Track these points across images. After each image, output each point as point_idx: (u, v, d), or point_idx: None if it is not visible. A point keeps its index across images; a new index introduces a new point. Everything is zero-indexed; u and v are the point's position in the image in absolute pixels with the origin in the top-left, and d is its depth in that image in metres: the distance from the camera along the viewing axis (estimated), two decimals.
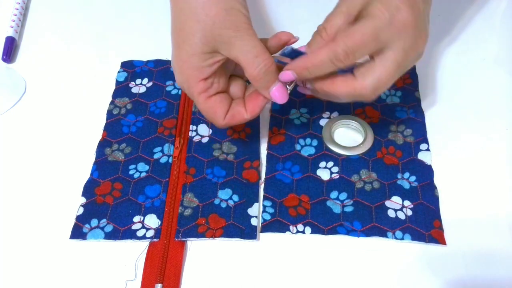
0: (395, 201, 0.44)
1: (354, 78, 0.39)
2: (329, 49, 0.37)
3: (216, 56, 0.40)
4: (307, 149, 0.48)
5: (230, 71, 0.44)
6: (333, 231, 0.42)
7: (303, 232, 0.42)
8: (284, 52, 0.42)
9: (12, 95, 0.53)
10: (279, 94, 0.40)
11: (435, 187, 0.45)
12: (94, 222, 0.43)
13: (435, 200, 0.44)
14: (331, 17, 0.39)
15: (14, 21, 0.59)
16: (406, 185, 0.45)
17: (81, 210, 0.44)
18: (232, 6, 0.38)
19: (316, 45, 0.39)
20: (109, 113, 0.51)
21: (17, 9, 0.60)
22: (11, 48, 0.57)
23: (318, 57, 0.38)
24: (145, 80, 0.54)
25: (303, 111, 0.50)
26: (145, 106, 0.52)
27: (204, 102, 0.41)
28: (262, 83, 0.40)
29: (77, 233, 0.43)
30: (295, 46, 0.42)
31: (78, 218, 0.44)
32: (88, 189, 0.45)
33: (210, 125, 0.50)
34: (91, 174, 0.47)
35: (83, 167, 0.47)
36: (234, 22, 0.38)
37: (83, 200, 0.45)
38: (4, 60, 0.56)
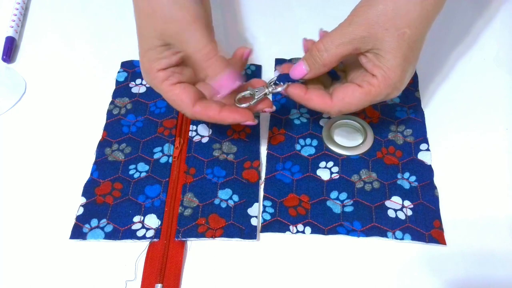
0: (395, 201, 0.44)
1: (329, 97, 0.42)
2: (324, 105, 0.42)
3: (171, 48, 0.41)
4: (307, 149, 0.48)
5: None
6: (333, 231, 0.42)
7: (303, 232, 0.42)
8: (276, 80, 0.43)
9: (12, 95, 0.53)
10: (222, 84, 0.41)
11: (435, 187, 0.45)
12: (94, 222, 0.43)
13: (435, 200, 0.44)
14: (339, 44, 0.39)
15: (14, 21, 0.59)
16: (406, 185, 0.45)
17: (81, 210, 0.44)
18: (177, 1, 0.40)
19: (315, 69, 0.41)
20: (109, 113, 0.51)
21: (17, 9, 0.60)
22: (11, 48, 0.57)
23: (312, 104, 0.42)
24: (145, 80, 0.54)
25: (303, 111, 0.50)
26: (145, 106, 0.52)
27: (168, 90, 0.41)
28: (210, 72, 0.41)
29: (77, 233, 0.43)
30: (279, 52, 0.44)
31: (78, 218, 0.44)
32: (88, 189, 0.45)
33: (210, 125, 0.50)
34: (91, 174, 0.47)
35: (83, 167, 0.47)
36: (180, 15, 0.40)
37: (83, 200, 0.45)
38: (4, 60, 0.56)
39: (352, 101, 0.41)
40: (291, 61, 0.54)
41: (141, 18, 0.41)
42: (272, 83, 0.43)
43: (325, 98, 0.41)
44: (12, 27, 0.58)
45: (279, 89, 0.43)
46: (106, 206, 0.44)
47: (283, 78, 0.44)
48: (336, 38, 0.39)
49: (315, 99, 0.42)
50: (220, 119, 0.42)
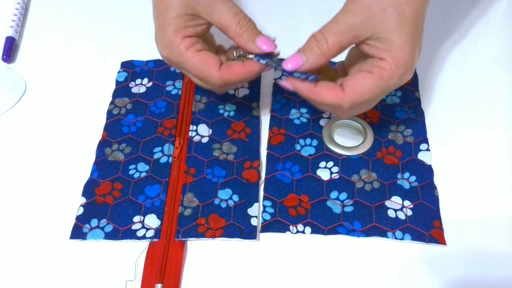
0: (395, 201, 0.44)
1: (341, 89, 0.39)
2: (336, 97, 0.38)
3: (199, 19, 0.41)
4: (307, 149, 0.48)
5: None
6: (333, 231, 0.42)
7: (303, 232, 0.42)
8: (267, 58, 0.42)
9: (12, 95, 0.53)
10: (265, 43, 0.41)
11: (435, 187, 0.45)
12: (94, 222, 0.43)
13: (435, 200, 0.44)
14: (337, 32, 0.38)
15: (14, 21, 0.59)
16: (406, 185, 0.45)
17: (81, 210, 0.44)
18: None
19: (314, 57, 0.39)
20: (109, 113, 0.51)
21: (17, 9, 0.60)
22: (11, 48, 0.57)
23: (323, 98, 0.39)
24: (145, 80, 0.54)
25: (303, 111, 0.50)
26: (145, 106, 0.52)
27: (194, 55, 0.41)
28: (246, 37, 0.41)
29: (77, 233, 0.43)
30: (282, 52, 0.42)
31: (78, 218, 0.44)
32: (88, 189, 0.45)
33: (210, 125, 0.50)
34: (91, 174, 0.47)
35: (83, 167, 0.47)
36: None
37: (83, 200, 0.45)
38: (4, 60, 0.56)
39: (364, 89, 0.38)
40: None
41: None
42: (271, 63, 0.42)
43: (336, 90, 0.39)
44: (12, 27, 0.58)
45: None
46: (106, 206, 0.44)
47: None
48: (333, 27, 0.38)
49: (325, 91, 0.39)
50: (248, 71, 0.42)
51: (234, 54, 0.44)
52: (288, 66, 0.39)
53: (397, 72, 0.37)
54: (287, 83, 0.40)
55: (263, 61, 0.41)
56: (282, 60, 0.40)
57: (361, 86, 0.38)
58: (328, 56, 0.39)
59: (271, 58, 0.42)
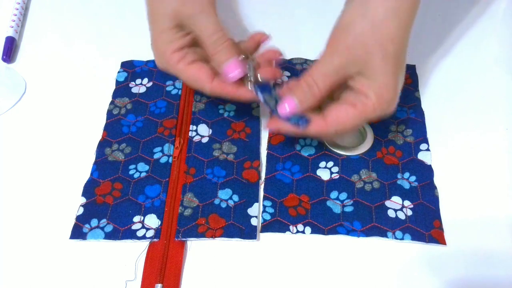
0: (395, 201, 0.44)
1: (323, 119, 0.40)
2: (319, 128, 0.40)
3: (184, 29, 0.43)
4: (307, 149, 0.48)
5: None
6: (333, 231, 0.42)
7: (303, 232, 0.42)
8: (261, 84, 0.43)
9: (12, 95, 0.53)
10: (230, 70, 0.42)
11: (435, 187, 0.45)
12: (94, 222, 0.43)
13: (435, 200, 0.44)
14: (327, 74, 0.39)
15: (14, 21, 0.59)
16: (406, 185, 0.45)
17: (81, 210, 0.44)
18: None
19: (307, 101, 0.40)
20: (109, 113, 0.51)
21: (17, 9, 0.60)
22: (11, 48, 0.57)
23: (311, 131, 0.41)
24: (145, 80, 0.54)
25: None
26: (145, 106, 0.52)
27: (185, 69, 0.43)
28: (217, 58, 0.42)
29: (77, 233, 0.43)
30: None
31: (78, 218, 0.44)
32: (88, 189, 0.45)
33: (210, 125, 0.50)
34: (91, 174, 0.47)
35: (83, 167, 0.47)
36: (198, 1, 0.42)
37: (83, 200, 0.45)
38: (4, 60, 0.56)
39: (347, 122, 0.40)
40: (291, 61, 0.54)
41: (156, 4, 0.43)
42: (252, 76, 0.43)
43: (318, 121, 0.40)
44: (12, 27, 0.58)
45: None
46: (106, 206, 0.44)
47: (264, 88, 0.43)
48: (322, 69, 0.39)
49: (309, 126, 0.41)
50: (238, 95, 0.43)
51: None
52: (285, 110, 0.40)
53: (380, 107, 0.39)
54: (273, 126, 0.43)
55: (260, 95, 0.42)
56: (276, 96, 0.42)
57: (343, 119, 0.39)
58: (320, 97, 0.40)
59: (269, 91, 0.42)
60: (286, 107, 0.40)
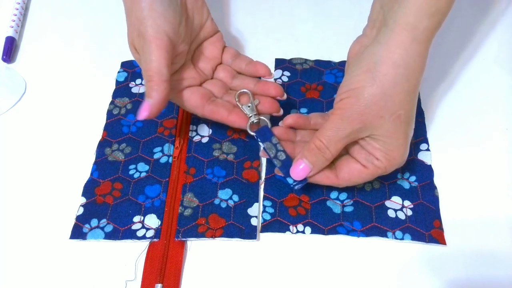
0: (395, 201, 0.44)
1: (335, 175, 0.42)
2: (331, 183, 0.42)
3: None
4: None
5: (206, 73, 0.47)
6: (333, 231, 0.42)
7: (303, 232, 0.42)
8: (260, 131, 0.43)
9: (12, 95, 0.53)
10: (141, 112, 0.40)
11: (435, 187, 0.45)
12: (94, 222, 0.43)
13: (435, 200, 0.44)
14: (337, 140, 0.39)
15: (14, 21, 0.59)
16: (406, 185, 0.45)
17: (81, 210, 0.44)
18: (153, 12, 0.40)
19: (320, 164, 0.40)
20: (109, 113, 0.51)
21: (17, 9, 0.60)
22: (11, 48, 0.57)
23: (320, 182, 0.42)
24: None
25: (303, 111, 0.50)
26: None
27: (176, 97, 0.44)
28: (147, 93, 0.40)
29: (77, 233, 0.43)
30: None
31: (78, 218, 0.44)
32: (88, 189, 0.45)
33: (210, 125, 0.50)
34: (91, 174, 0.47)
35: (83, 167, 0.47)
36: (144, 29, 0.40)
37: (83, 200, 0.45)
38: (4, 60, 0.56)
39: (358, 180, 0.41)
40: (291, 61, 0.54)
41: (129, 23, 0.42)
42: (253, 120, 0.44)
43: (330, 178, 0.41)
44: (12, 27, 0.58)
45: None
46: (106, 206, 0.44)
47: (264, 133, 0.43)
48: (334, 135, 0.39)
49: (319, 180, 0.41)
50: (229, 121, 0.44)
51: (236, 99, 0.45)
52: (297, 174, 0.41)
53: (390, 168, 0.40)
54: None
55: (260, 143, 0.43)
56: (281, 149, 0.42)
57: (355, 178, 0.41)
58: (331, 159, 0.40)
59: (269, 138, 0.43)
60: (299, 171, 0.40)
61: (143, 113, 0.40)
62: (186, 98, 0.44)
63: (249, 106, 0.44)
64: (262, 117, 0.44)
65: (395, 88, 0.37)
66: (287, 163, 0.41)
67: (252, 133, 0.43)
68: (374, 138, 0.39)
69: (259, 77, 0.47)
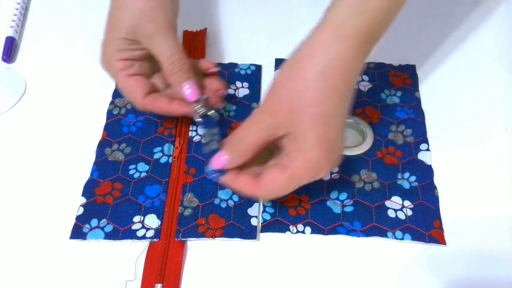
0: (395, 201, 0.44)
1: (258, 182, 0.39)
2: (252, 190, 0.39)
3: (137, 43, 0.44)
4: None
5: (156, 68, 0.47)
6: (333, 231, 0.42)
7: (303, 232, 0.42)
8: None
9: (12, 95, 0.53)
10: (190, 91, 0.44)
11: (435, 187, 0.45)
12: (94, 222, 0.43)
13: (435, 200, 0.44)
14: (253, 132, 0.39)
15: (14, 21, 0.59)
16: (406, 185, 0.45)
17: (81, 210, 0.44)
18: (159, 5, 0.43)
19: (237, 158, 0.39)
20: (109, 113, 0.51)
21: (17, 9, 0.60)
22: (11, 48, 0.57)
23: (242, 189, 0.40)
24: None
25: None
26: None
27: (123, 80, 0.44)
28: (175, 79, 0.44)
29: (77, 233, 0.43)
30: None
31: (78, 218, 0.44)
32: (88, 189, 0.45)
33: None
34: (91, 174, 0.46)
35: (83, 167, 0.47)
36: (157, 19, 0.43)
37: (83, 200, 0.45)
38: (4, 60, 0.56)
39: (276, 187, 0.38)
40: None
41: (118, 11, 0.44)
42: (199, 112, 0.45)
43: (253, 183, 0.39)
44: (12, 27, 0.58)
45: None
46: (106, 206, 0.44)
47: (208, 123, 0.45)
48: (249, 126, 0.39)
49: (242, 186, 0.40)
50: (170, 110, 0.45)
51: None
52: (216, 165, 0.40)
53: (308, 172, 0.38)
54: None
55: (201, 129, 0.45)
56: (216, 140, 0.43)
57: (273, 185, 0.38)
58: (249, 154, 0.39)
59: (213, 126, 0.44)
60: (218, 160, 0.40)
61: (193, 93, 0.44)
62: (131, 84, 0.44)
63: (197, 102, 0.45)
64: (212, 111, 0.45)
65: (307, 84, 0.36)
66: (214, 153, 0.41)
67: (198, 120, 0.45)
68: (291, 136, 0.37)
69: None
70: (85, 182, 0.46)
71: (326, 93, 0.36)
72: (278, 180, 0.38)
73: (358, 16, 0.35)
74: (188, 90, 0.44)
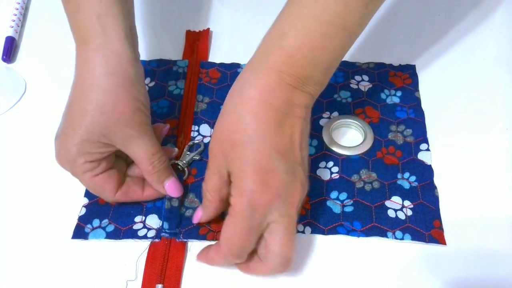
0: (395, 201, 0.44)
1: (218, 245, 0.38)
2: (218, 255, 0.38)
3: (110, 147, 0.40)
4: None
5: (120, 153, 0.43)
6: (333, 231, 0.42)
7: (303, 232, 0.42)
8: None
9: (12, 95, 0.53)
10: (173, 188, 0.43)
11: (435, 187, 0.45)
12: (96, 222, 0.43)
13: (435, 200, 0.44)
14: (208, 179, 0.38)
15: (14, 21, 0.59)
16: (406, 185, 0.45)
17: (83, 210, 0.44)
18: (139, 108, 0.39)
19: (207, 209, 0.40)
20: None
21: (17, 9, 0.60)
22: (11, 48, 0.57)
23: (212, 262, 0.39)
24: (147, 80, 0.54)
25: None
26: None
27: (90, 180, 0.40)
28: (156, 177, 0.42)
29: (79, 233, 0.43)
30: None
31: (80, 218, 0.44)
32: None
33: (212, 125, 0.50)
34: None
35: None
36: (137, 123, 0.39)
37: (85, 200, 0.45)
38: (4, 60, 0.56)
39: (230, 235, 0.36)
40: None
41: (91, 112, 0.38)
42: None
43: (216, 248, 0.38)
44: (12, 27, 0.58)
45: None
46: (108, 207, 0.44)
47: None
48: (206, 173, 0.38)
49: (210, 254, 0.39)
50: (145, 198, 0.43)
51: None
52: (194, 217, 0.42)
53: (244, 205, 0.34)
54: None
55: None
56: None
57: (226, 233, 0.36)
58: (216, 203, 0.39)
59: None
60: (196, 215, 0.41)
61: (176, 190, 0.43)
62: (100, 183, 0.41)
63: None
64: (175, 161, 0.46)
65: (226, 109, 0.36)
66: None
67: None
68: (231, 173, 0.36)
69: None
70: None
71: (244, 120, 0.35)
72: (228, 226, 0.36)
73: (278, 46, 0.36)
74: (171, 187, 0.42)
